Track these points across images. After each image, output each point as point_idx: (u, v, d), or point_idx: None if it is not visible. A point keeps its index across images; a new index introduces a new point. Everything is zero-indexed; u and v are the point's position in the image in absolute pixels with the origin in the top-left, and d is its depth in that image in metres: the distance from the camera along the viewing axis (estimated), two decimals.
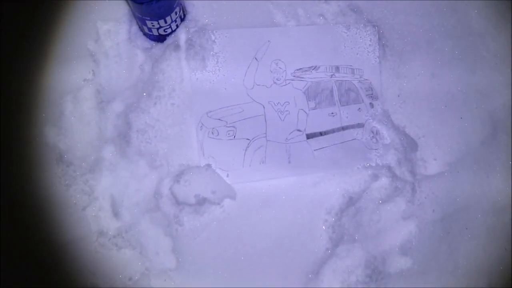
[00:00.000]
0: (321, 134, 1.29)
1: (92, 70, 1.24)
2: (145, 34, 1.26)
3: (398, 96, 1.33)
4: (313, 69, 1.31)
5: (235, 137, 1.24)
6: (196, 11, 1.28)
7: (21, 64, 1.23)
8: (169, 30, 1.24)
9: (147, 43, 1.27)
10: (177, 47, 1.24)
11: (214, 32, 1.27)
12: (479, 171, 1.32)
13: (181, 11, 1.24)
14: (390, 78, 1.34)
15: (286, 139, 1.27)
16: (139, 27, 1.26)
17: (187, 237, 1.19)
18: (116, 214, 1.19)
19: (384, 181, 1.26)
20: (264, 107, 1.27)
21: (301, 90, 1.29)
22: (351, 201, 1.24)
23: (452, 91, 1.35)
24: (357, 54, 1.33)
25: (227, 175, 1.22)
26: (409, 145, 1.30)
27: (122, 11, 1.28)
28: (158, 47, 1.26)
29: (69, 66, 1.24)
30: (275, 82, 1.28)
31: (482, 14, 1.41)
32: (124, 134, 1.21)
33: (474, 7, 1.41)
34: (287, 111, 1.28)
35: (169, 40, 1.26)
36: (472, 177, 1.32)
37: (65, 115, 1.22)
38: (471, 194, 1.32)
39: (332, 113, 1.31)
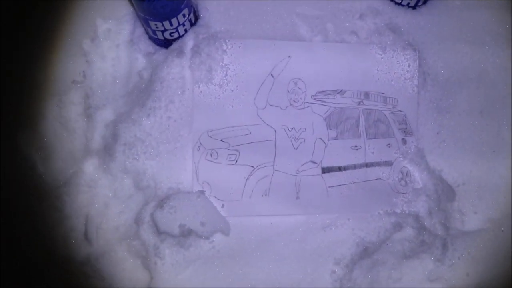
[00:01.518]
0: (339, 169, 1.24)
1: (83, 72, 1.23)
2: (150, 37, 1.25)
3: (437, 134, 1.28)
4: (338, 93, 1.26)
5: (237, 163, 1.20)
6: (210, 16, 1.27)
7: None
8: (176, 35, 1.22)
9: (151, 47, 1.26)
10: (180, 53, 1.21)
11: (226, 40, 1.24)
12: None
13: (192, 14, 1.22)
14: (429, 112, 1.29)
15: (297, 170, 1.22)
16: (145, 30, 1.25)
17: (167, 272, 1.14)
18: (89, 237, 1.16)
19: (409, 232, 1.20)
20: (275, 132, 1.23)
21: (321, 116, 1.25)
22: (366, 252, 1.18)
23: (503, 134, 1.29)
24: (391, 80, 1.29)
25: (222, 206, 1.18)
26: (445, 193, 1.24)
27: (126, 9, 1.28)
28: (161, 53, 1.24)
29: (57, 65, 1.23)
30: (291, 104, 1.24)
31: None
32: (109, 146, 1.19)
33: None
34: (302, 138, 1.24)
35: (175, 45, 1.24)
36: None
37: (48, 119, 1.21)
38: None
39: (355, 146, 1.26)
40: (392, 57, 1.29)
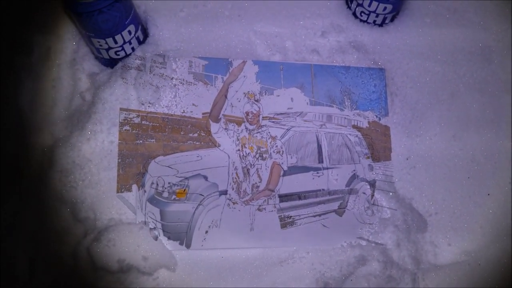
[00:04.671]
0: (299, 197, 1.21)
1: (17, 92, 1.21)
2: (96, 57, 1.24)
3: (407, 159, 1.26)
4: (298, 116, 1.26)
5: (185, 191, 1.17)
6: (159, 33, 1.26)
7: None
8: (122, 54, 1.20)
9: (96, 67, 1.25)
10: (125, 72, 1.20)
11: (176, 59, 1.24)
12: (509, 266, 1.21)
13: (140, 32, 1.21)
14: (398, 136, 1.28)
15: (252, 199, 1.20)
16: (90, 48, 1.23)
17: None
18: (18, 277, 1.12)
19: (375, 266, 1.17)
20: (229, 157, 1.20)
21: (280, 140, 1.24)
22: None
23: (478, 158, 1.27)
24: (356, 101, 1.29)
25: (168, 238, 1.14)
26: (416, 223, 1.21)
27: (69, 26, 1.26)
28: (106, 73, 1.23)
29: None
30: (247, 127, 1.23)
31: None
32: (44, 173, 1.15)
33: None
34: (258, 164, 1.22)
35: (120, 64, 1.22)
36: (499, 273, 1.21)
37: None
38: None
39: (317, 173, 1.24)
40: (357, 76, 1.30)
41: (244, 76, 1.25)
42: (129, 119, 1.18)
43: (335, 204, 1.23)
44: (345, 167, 1.26)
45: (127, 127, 1.18)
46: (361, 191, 1.25)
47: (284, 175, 1.22)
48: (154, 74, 1.21)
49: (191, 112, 1.22)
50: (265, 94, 1.26)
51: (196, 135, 1.21)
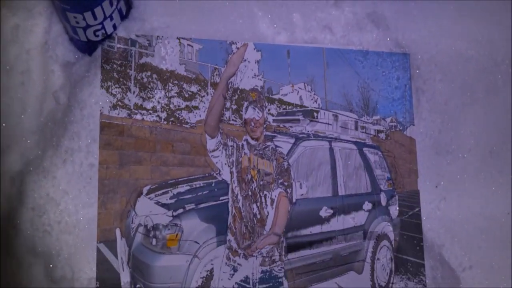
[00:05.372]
0: (310, 245, 1.00)
1: None
2: (71, 38, 1.01)
3: (436, 187, 1.05)
4: (307, 124, 1.05)
5: (178, 237, 0.96)
6: (146, 6, 1.03)
7: None
8: (101, 33, 0.98)
9: (72, 55, 1.01)
10: (106, 62, 0.98)
11: (165, 41, 1.01)
12: None
13: (122, 2, 0.99)
14: (425, 152, 1.07)
15: (256, 249, 0.97)
16: (64, 27, 1.00)
17: None
18: None
19: None
20: (228, 185, 0.99)
21: (286, 160, 1.00)
22: None
23: None
24: (376, 102, 1.07)
25: None
26: (446, 281, 1.02)
27: None
28: (83, 63, 1.00)
29: None
30: (248, 142, 1.00)
31: None
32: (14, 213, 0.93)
33: None
34: (262, 195, 0.98)
35: (99, 51, 1.00)
36: None
37: None
38: None
39: (331, 208, 1.02)
40: (376, 65, 1.08)
41: (245, 66, 1.04)
42: (111, 133, 0.97)
43: (352, 255, 1.04)
44: (364, 201, 1.05)
45: (108, 145, 0.97)
46: (383, 232, 1.06)
47: (292, 212, 1.00)
48: (140, 65, 1.01)
49: (183, 119, 1.01)
50: (270, 94, 1.05)
51: (189, 156, 1.00)
